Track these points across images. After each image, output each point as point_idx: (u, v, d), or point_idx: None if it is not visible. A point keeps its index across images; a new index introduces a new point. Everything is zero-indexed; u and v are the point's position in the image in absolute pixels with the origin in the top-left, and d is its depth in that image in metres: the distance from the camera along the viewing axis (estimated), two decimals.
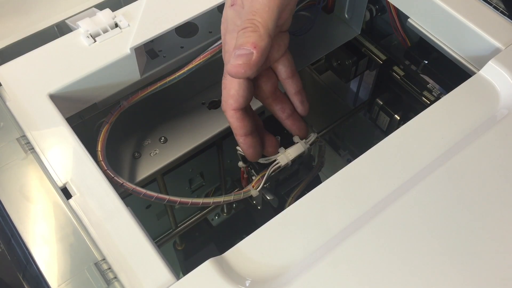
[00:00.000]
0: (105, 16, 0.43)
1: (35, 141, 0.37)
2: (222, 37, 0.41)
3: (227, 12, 0.39)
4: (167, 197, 0.40)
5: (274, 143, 0.45)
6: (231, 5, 0.39)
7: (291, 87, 0.44)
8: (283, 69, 0.43)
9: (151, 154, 0.47)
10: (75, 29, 0.44)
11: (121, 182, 0.39)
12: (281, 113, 0.44)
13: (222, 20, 0.41)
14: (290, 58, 0.43)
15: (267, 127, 0.51)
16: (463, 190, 0.34)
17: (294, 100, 0.45)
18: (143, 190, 0.40)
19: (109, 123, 0.42)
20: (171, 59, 0.45)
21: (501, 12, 0.43)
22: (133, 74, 0.44)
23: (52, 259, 0.31)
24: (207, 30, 0.46)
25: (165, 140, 0.48)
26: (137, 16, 0.44)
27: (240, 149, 0.48)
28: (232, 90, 0.39)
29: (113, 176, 0.39)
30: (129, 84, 0.44)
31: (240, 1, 0.38)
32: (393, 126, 0.62)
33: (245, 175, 0.50)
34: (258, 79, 0.42)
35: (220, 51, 0.46)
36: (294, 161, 0.46)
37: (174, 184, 0.60)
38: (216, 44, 0.45)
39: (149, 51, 0.47)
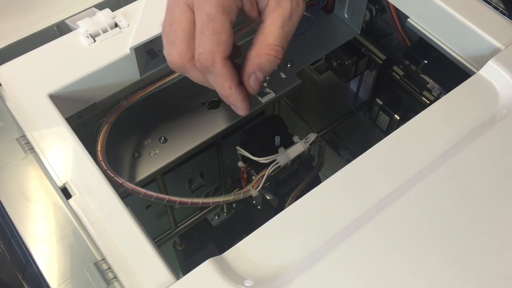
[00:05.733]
0: (105, 16, 0.43)
1: (34, 141, 0.37)
2: None
3: None
4: (166, 197, 0.40)
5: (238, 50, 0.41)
6: None
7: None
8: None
9: (151, 154, 0.47)
10: (74, 29, 0.44)
11: (121, 182, 0.39)
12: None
13: None
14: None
15: (267, 127, 0.51)
16: (463, 190, 0.34)
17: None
18: (143, 190, 0.40)
19: (109, 123, 0.42)
20: None
21: (501, 12, 0.43)
22: (133, 74, 0.44)
23: (52, 259, 0.31)
24: None
25: (165, 140, 0.48)
26: (137, 16, 0.44)
27: (239, 148, 0.48)
28: (224, 36, 0.35)
29: (112, 176, 0.39)
30: (129, 84, 0.44)
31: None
32: (393, 126, 0.62)
33: (245, 175, 0.50)
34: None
35: None
36: (294, 161, 0.47)
37: (174, 184, 0.60)
38: None
39: (149, 51, 0.47)
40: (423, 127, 0.37)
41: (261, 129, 0.51)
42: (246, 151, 0.47)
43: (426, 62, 0.55)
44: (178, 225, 0.61)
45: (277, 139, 0.48)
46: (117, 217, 0.33)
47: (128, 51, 0.42)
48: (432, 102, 0.54)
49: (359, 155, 0.36)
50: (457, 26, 0.43)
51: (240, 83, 0.38)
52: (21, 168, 0.35)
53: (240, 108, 0.39)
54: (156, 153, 0.47)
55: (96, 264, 0.31)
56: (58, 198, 0.34)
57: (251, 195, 0.46)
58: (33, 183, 0.34)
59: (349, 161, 0.74)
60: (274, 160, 0.45)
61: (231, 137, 0.58)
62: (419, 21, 0.47)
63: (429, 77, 0.56)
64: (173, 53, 0.37)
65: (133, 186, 0.40)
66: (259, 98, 0.51)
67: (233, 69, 0.37)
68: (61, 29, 0.50)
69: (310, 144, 0.47)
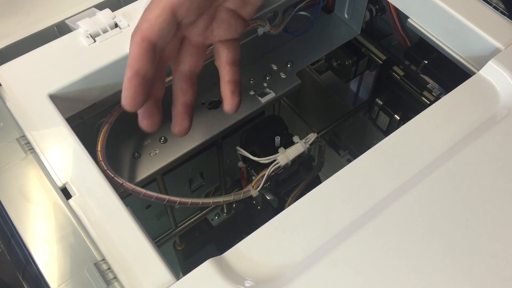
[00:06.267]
0: (105, 16, 0.43)
1: (34, 141, 0.37)
2: None
3: None
4: (167, 197, 0.40)
5: (183, 127, 0.40)
6: None
7: (227, 74, 0.40)
8: (225, 53, 0.39)
9: (151, 154, 0.47)
10: (75, 29, 0.44)
11: (121, 182, 0.39)
12: (180, 94, 0.39)
13: None
14: (237, 47, 0.40)
15: (267, 127, 0.51)
16: (463, 190, 0.34)
17: (225, 88, 0.40)
18: (143, 190, 0.40)
19: (109, 123, 0.42)
20: None
21: (501, 12, 0.43)
22: None
23: (52, 259, 0.31)
24: None
25: (165, 140, 0.48)
26: (137, 16, 0.44)
27: (239, 149, 0.48)
28: (153, 17, 0.34)
29: (112, 176, 0.39)
30: None
31: None
32: (393, 126, 0.62)
33: (245, 175, 0.50)
34: (185, 52, 0.38)
35: None
36: (294, 161, 0.47)
37: (174, 184, 0.60)
38: None
39: None
40: (423, 127, 0.37)
41: (261, 129, 0.51)
42: (246, 151, 0.47)
43: (426, 62, 0.55)
44: (178, 225, 0.61)
45: (277, 139, 0.48)
46: (117, 217, 0.33)
47: (128, 51, 0.42)
48: (432, 102, 0.54)
49: (359, 155, 0.36)
50: (457, 26, 0.43)
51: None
52: (21, 168, 0.35)
53: (126, 102, 0.34)
54: (156, 153, 0.47)
55: (96, 265, 0.31)
56: (58, 198, 0.34)
57: (251, 195, 0.46)
58: (33, 183, 0.34)
59: (349, 161, 0.74)
60: (274, 160, 0.45)
61: (231, 137, 0.58)
62: (419, 21, 0.47)
63: (429, 77, 0.56)
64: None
65: (133, 186, 0.40)
66: (259, 98, 0.51)
67: (151, 61, 0.34)
68: (61, 29, 0.50)
69: (310, 144, 0.47)
